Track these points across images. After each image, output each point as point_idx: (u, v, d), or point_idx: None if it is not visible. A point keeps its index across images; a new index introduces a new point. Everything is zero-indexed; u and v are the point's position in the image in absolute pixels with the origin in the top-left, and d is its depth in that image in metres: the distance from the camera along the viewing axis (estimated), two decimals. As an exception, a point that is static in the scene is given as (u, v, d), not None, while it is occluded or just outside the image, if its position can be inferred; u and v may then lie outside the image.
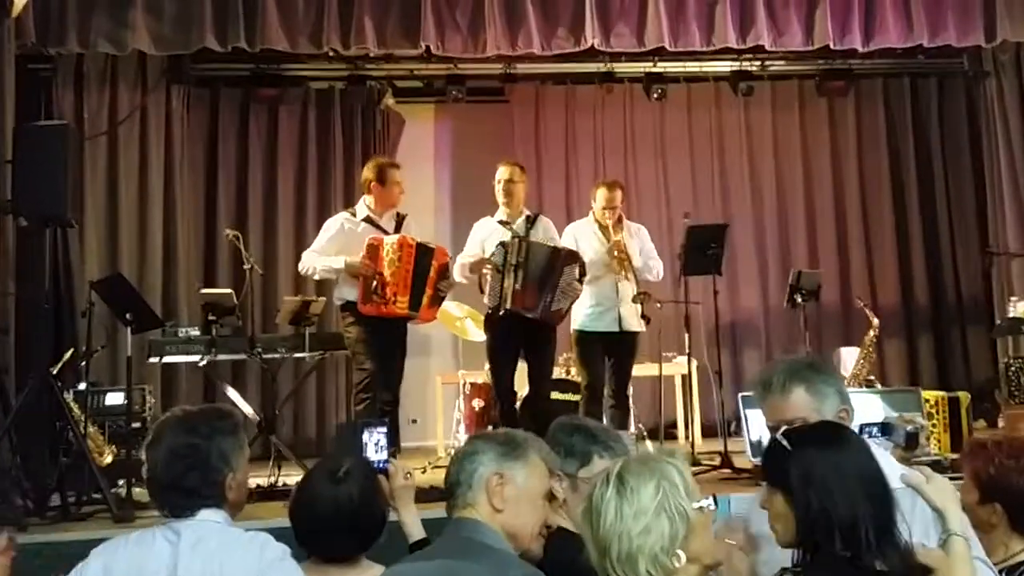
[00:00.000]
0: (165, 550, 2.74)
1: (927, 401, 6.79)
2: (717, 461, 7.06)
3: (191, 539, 2.73)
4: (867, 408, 5.95)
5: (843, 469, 2.28)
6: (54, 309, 8.18)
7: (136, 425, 7.30)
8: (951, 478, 2.59)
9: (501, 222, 7.16)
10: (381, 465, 3.39)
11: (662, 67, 9.99)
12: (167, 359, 7.56)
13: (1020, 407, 7.29)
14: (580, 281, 6.93)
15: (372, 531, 3.05)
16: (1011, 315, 8.02)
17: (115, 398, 7.52)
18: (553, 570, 2.72)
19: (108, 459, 6.91)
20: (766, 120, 10.73)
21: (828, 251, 10.58)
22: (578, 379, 7.67)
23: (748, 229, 10.43)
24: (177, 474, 2.77)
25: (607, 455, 3.15)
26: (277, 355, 7.53)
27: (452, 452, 8.32)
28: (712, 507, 2.29)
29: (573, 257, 6.95)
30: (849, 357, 8.70)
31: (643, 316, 7.14)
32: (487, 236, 7.13)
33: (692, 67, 10.22)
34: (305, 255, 7.13)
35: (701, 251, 7.37)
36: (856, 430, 2.74)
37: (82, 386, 7.33)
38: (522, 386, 7.20)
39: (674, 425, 9.16)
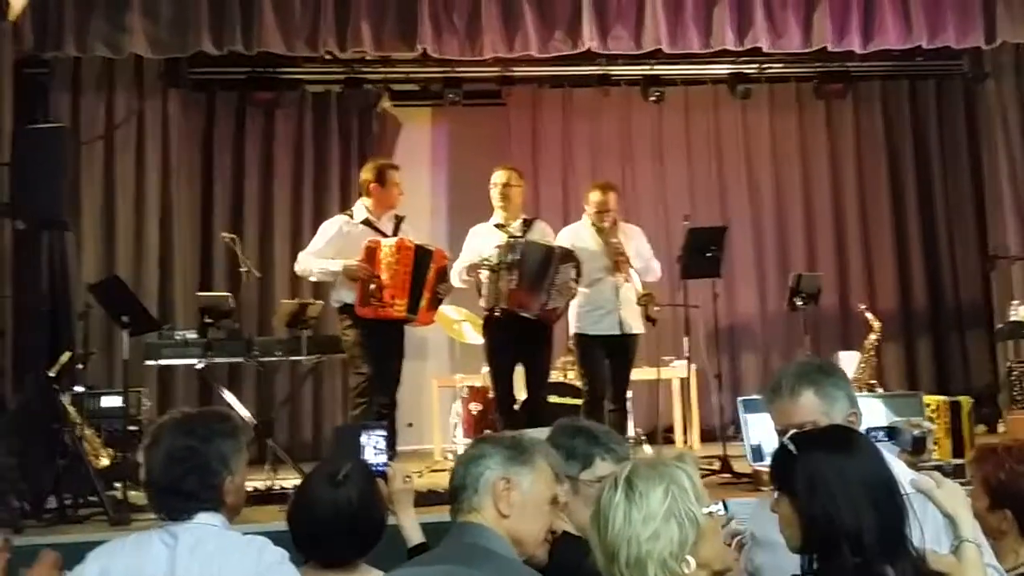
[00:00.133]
0: (162, 553, 2.71)
1: (928, 406, 6.76)
2: (716, 466, 7.04)
3: (189, 542, 2.71)
4: (869, 413, 5.91)
5: (850, 474, 2.23)
6: (50, 312, 8.19)
7: (132, 428, 7.29)
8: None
9: (497, 225, 7.14)
10: (380, 468, 3.38)
11: (659, 70, 9.97)
12: (164, 362, 7.53)
13: (1021, 412, 7.26)
14: (576, 281, 6.91)
15: (371, 535, 3.02)
16: (1012, 319, 8.00)
17: (111, 401, 7.52)
18: (561, 573, 2.70)
19: (104, 462, 6.89)
20: (764, 123, 10.70)
21: (826, 254, 10.55)
22: (577, 383, 7.65)
23: (746, 232, 10.41)
24: (175, 477, 2.75)
25: (609, 458, 3.12)
26: (274, 358, 7.51)
27: (449, 456, 8.36)
28: (722, 512, 2.26)
29: (569, 256, 6.92)
30: (847, 361, 8.69)
31: (648, 318, 7.11)
32: (483, 241, 7.10)
33: (690, 70, 10.19)
34: (301, 256, 7.11)
35: (701, 253, 7.35)
36: None
37: (79, 389, 7.30)
38: (521, 390, 7.19)
39: (671, 429, 9.14)
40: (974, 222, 10.44)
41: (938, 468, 2.96)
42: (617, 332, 7.15)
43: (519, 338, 6.95)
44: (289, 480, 6.90)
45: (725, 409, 8.33)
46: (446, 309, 8.02)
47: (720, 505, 2.27)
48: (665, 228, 10.06)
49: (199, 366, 7.52)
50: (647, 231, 7.83)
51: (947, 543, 2.37)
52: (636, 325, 7.20)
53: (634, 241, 7.42)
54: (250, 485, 5.98)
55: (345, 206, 8.14)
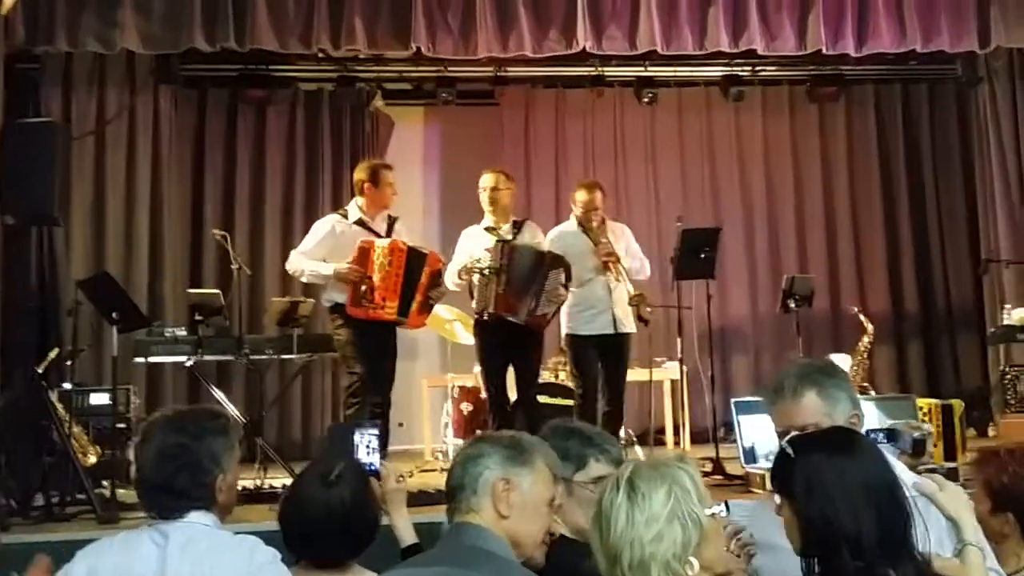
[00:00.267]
0: (152, 552, 2.67)
1: (920, 409, 6.76)
2: (708, 467, 7.02)
3: (179, 541, 2.67)
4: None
5: (850, 477, 2.20)
6: (39, 308, 8.14)
7: (121, 425, 7.26)
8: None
9: (487, 228, 7.11)
10: (372, 468, 3.34)
11: (653, 71, 9.98)
12: (153, 359, 7.49)
13: (1016, 415, 7.27)
14: (566, 287, 6.89)
15: (364, 536, 2.99)
16: (1006, 323, 8.00)
17: (100, 398, 7.48)
18: None
19: (92, 459, 6.85)
20: (756, 125, 10.70)
21: (818, 257, 10.56)
22: (569, 384, 7.62)
23: (738, 234, 10.40)
24: (166, 475, 2.71)
25: (603, 459, 3.10)
26: (264, 356, 7.47)
27: (440, 456, 8.33)
28: (724, 513, 2.24)
29: (558, 262, 6.90)
30: (839, 363, 8.66)
31: (640, 318, 7.10)
32: (474, 244, 7.08)
33: (683, 72, 10.20)
34: (293, 255, 7.07)
35: (695, 255, 7.34)
36: None
37: (67, 385, 7.26)
38: (512, 390, 7.16)
39: (662, 431, 9.12)
40: (965, 226, 10.47)
41: (931, 471, 2.93)
42: (611, 331, 7.13)
43: (509, 341, 6.94)
44: (279, 479, 6.87)
45: (717, 411, 8.30)
46: (438, 309, 7.97)
47: (722, 506, 2.25)
48: (657, 229, 10.08)
49: (188, 364, 7.49)
50: (639, 232, 7.84)
51: (950, 546, 2.35)
52: (629, 324, 7.18)
53: (623, 239, 7.40)
54: (240, 484, 5.95)
55: (337, 205, 8.10)
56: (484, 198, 7.10)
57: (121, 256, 9.04)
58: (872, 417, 6.12)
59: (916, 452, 3.03)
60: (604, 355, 7.21)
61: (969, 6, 8.48)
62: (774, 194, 10.68)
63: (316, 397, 9.70)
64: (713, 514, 2.21)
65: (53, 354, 7.02)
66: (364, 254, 6.68)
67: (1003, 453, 3.22)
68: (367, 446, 3.44)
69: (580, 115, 10.52)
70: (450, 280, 7.03)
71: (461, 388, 8.40)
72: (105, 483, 6.38)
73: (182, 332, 7.42)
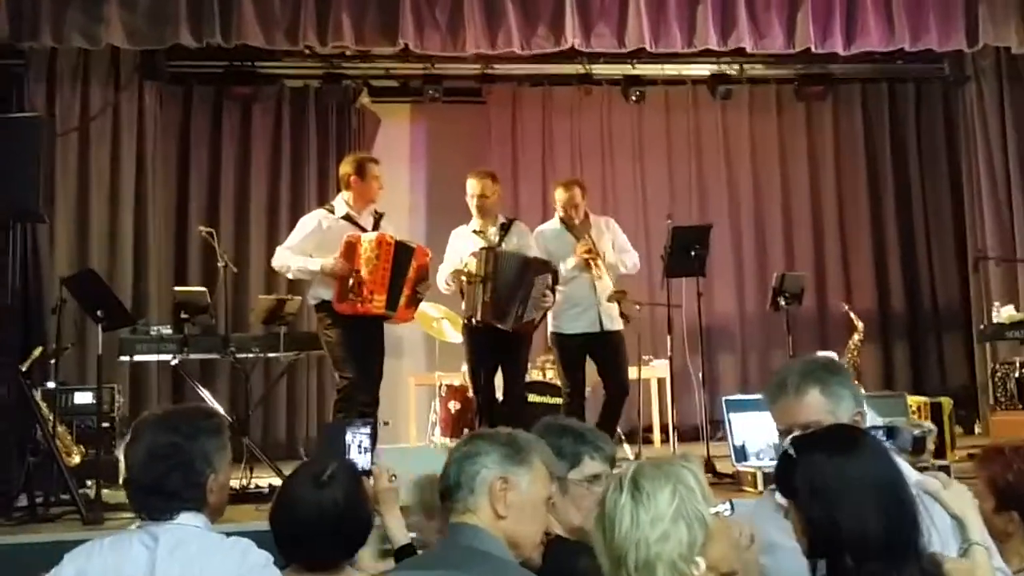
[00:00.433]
0: (142, 555, 2.62)
1: (909, 407, 6.76)
2: (698, 466, 6.98)
3: (169, 543, 2.61)
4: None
5: (853, 476, 2.16)
6: (22, 306, 8.06)
7: (105, 425, 7.19)
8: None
9: (475, 231, 7.07)
10: (364, 467, 3.30)
11: (640, 69, 9.96)
12: (138, 357, 7.40)
13: (1006, 412, 7.27)
14: (552, 290, 6.85)
15: (357, 537, 2.95)
16: (995, 320, 8.00)
17: (84, 397, 7.43)
18: None
19: (76, 459, 6.79)
20: (744, 124, 10.71)
21: (804, 255, 10.56)
22: (556, 382, 7.59)
23: (724, 232, 10.37)
24: (157, 475, 2.65)
25: (597, 456, 3.08)
26: (250, 355, 7.41)
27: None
28: (729, 512, 2.20)
29: (545, 267, 6.87)
30: (831, 362, 8.65)
31: (621, 315, 7.06)
32: (463, 246, 7.05)
33: (670, 70, 10.19)
34: (279, 251, 6.99)
35: (685, 252, 7.31)
36: None
37: (51, 384, 7.19)
38: (500, 391, 7.13)
39: (649, 429, 9.10)
40: (952, 225, 10.51)
41: (922, 470, 2.90)
42: (597, 329, 7.10)
43: (497, 345, 6.90)
44: (264, 479, 6.82)
45: (706, 409, 8.28)
46: (425, 307, 7.95)
47: (727, 505, 2.21)
48: (645, 227, 10.07)
49: (174, 362, 7.42)
50: (626, 231, 7.78)
51: (955, 545, 2.32)
52: (617, 321, 7.14)
53: (608, 234, 7.36)
54: (226, 484, 5.90)
55: (322, 202, 8.04)
56: (472, 205, 7.05)
57: (105, 253, 8.96)
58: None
59: (916, 450, 3.00)
60: (593, 354, 7.17)
61: (957, 5, 8.50)
62: (761, 192, 10.69)
63: (301, 396, 9.66)
64: (718, 513, 2.17)
65: (37, 352, 6.95)
66: (351, 249, 6.61)
67: (1008, 451, 3.18)
68: (359, 446, 3.40)
69: (567, 113, 10.50)
70: (441, 282, 7.00)
71: (449, 387, 8.36)
72: (89, 483, 6.32)
73: (167, 330, 7.33)
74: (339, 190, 7.15)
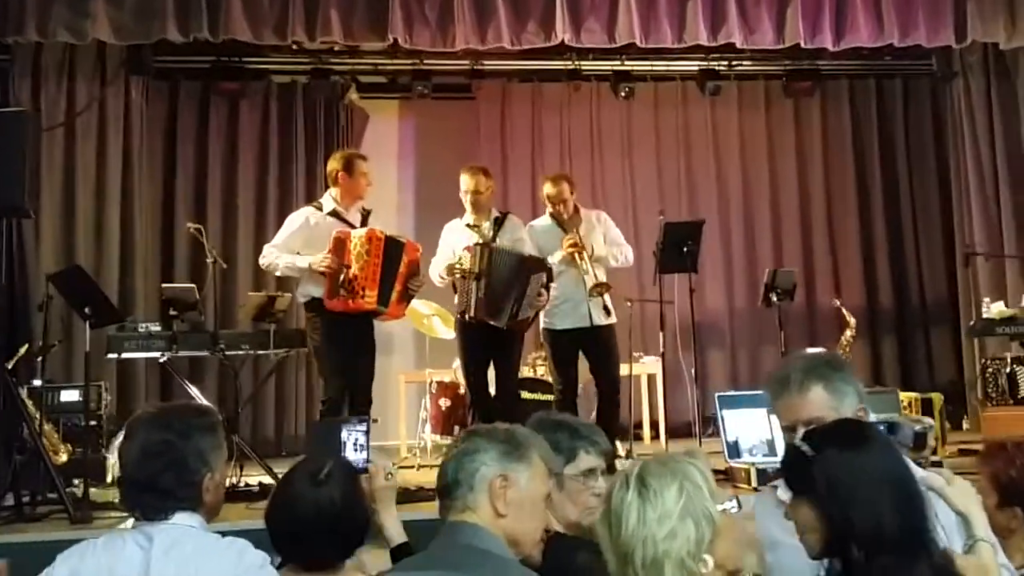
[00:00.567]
0: (136, 555, 2.57)
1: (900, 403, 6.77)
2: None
3: (164, 543, 2.57)
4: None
5: (869, 472, 2.15)
6: (8, 302, 8.00)
7: (92, 423, 7.14)
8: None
9: (469, 225, 7.02)
10: (360, 465, 3.27)
11: (629, 65, 9.97)
12: (126, 355, 7.33)
13: (997, 408, 7.28)
14: (547, 288, 6.82)
15: (354, 536, 2.91)
16: (985, 316, 8.01)
17: (70, 395, 7.36)
18: (553, 574, 2.60)
19: (63, 458, 6.72)
20: (732, 120, 10.72)
21: (793, 251, 10.58)
22: (548, 378, 7.56)
23: (713, 228, 10.35)
24: (152, 473, 2.60)
25: (593, 451, 3.05)
26: (240, 352, 7.36)
27: (417, 452, 8.26)
28: (735, 509, 2.17)
29: (540, 266, 6.83)
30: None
31: (604, 308, 7.02)
32: (457, 240, 7.00)
33: (659, 66, 10.20)
34: (267, 249, 6.90)
35: (677, 248, 7.29)
36: None
37: (37, 382, 7.12)
38: (492, 387, 7.10)
39: (639, 426, 9.08)
40: (939, 220, 10.53)
41: (917, 465, 2.88)
42: (587, 324, 7.06)
43: (490, 341, 6.86)
44: (254, 477, 6.78)
45: (698, 405, 8.28)
46: (416, 303, 7.91)
47: (734, 502, 2.18)
48: (634, 223, 10.05)
49: (163, 360, 7.36)
50: (616, 226, 7.75)
51: (959, 542, 2.30)
52: (608, 316, 7.10)
53: (600, 227, 7.31)
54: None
55: (310, 198, 8.01)
56: (466, 200, 7.00)
57: (91, 250, 8.91)
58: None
59: (917, 446, 2.97)
60: (585, 349, 7.14)
61: (946, 1, 8.50)
62: (750, 188, 10.70)
63: (290, 393, 9.63)
64: (725, 510, 2.14)
65: (23, 350, 6.90)
66: (340, 244, 6.54)
67: (1010, 446, 3.16)
68: (355, 443, 3.36)
69: (556, 109, 10.49)
70: (434, 275, 6.96)
71: (439, 383, 8.33)
72: (77, 482, 6.27)
73: (156, 327, 7.28)
74: (327, 186, 7.09)
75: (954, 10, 8.51)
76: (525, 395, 7.58)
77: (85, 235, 8.89)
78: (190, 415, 2.73)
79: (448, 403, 8.20)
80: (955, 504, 2.30)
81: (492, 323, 6.68)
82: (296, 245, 6.72)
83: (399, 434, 8.98)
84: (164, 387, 8.72)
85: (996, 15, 8.58)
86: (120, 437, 2.75)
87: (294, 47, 8.71)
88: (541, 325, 7.29)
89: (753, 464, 6.14)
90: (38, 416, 6.46)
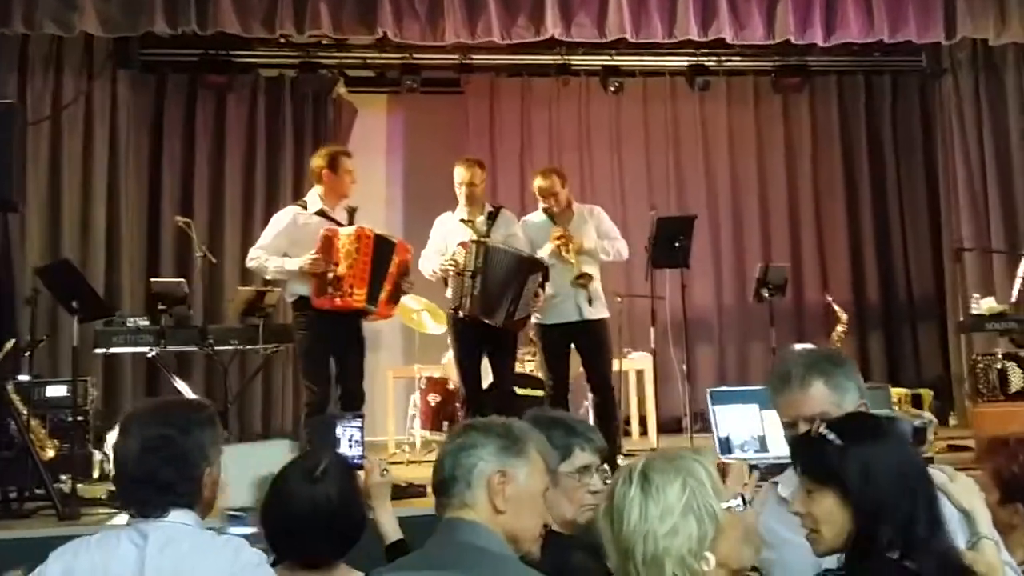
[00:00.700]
0: (131, 553, 2.53)
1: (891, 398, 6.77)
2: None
3: (159, 541, 2.53)
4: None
5: (898, 463, 2.17)
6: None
7: (79, 418, 7.08)
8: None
9: (462, 220, 6.96)
10: (355, 461, 3.24)
11: (619, 60, 9.96)
12: (114, 350, 7.29)
13: (988, 404, 7.28)
14: (543, 287, 6.78)
15: (351, 534, 2.87)
16: (974, 312, 8.02)
17: (57, 390, 7.27)
18: (549, 573, 2.58)
19: (50, 453, 6.66)
20: (721, 115, 10.72)
21: (781, 246, 10.58)
22: (539, 374, 7.53)
23: (703, 223, 10.29)
24: (151, 468, 2.56)
25: (588, 448, 3.03)
26: (229, 347, 7.31)
27: (406, 448, 8.23)
28: (740, 507, 2.15)
29: (536, 266, 6.78)
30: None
31: (588, 300, 6.97)
32: (448, 233, 6.94)
33: (649, 61, 10.20)
34: (254, 252, 6.77)
35: (669, 243, 7.27)
36: None
37: (23, 377, 7.06)
38: (485, 381, 7.07)
39: (627, 421, 9.07)
40: (927, 216, 10.54)
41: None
42: (577, 318, 7.02)
43: (483, 337, 6.83)
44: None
45: (681, 401, 8.27)
46: (405, 299, 7.86)
47: (739, 500, 2.16)
48: (623, 218, 9.99)
49: (151, 355, 7.31)
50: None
51: (962, 538, 2.29)
52: (597, 310, 7.05)
53: (592, 221, 7.26)
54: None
55: (298, 193, 7.95)
56: (460, 193, 6.93)
57: (77, 243, 8.84)
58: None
59: (917, 441, 2.97)
60: (576, 344, 7.10)
61: (936, -4, 8.52)
62: (738, 183, 10.71)
63: (277, 388, 9.58)
64: (729, 508, 2.12)
65: (9, 345, 6.84)
66: (328, 243, 6.46)
67: (1012, 442, 3.16)
68: (350, 439, 3.33)
69: (545, 104, 10.47)
70: (426, 269, 6.91)
71: (429, 379, 8.30)
72: (64, 478, 6.21)
73: (144, 322, 7.24)
74: (313, 183, 7.04)
75: (944, 6, 8.53)
76: (517, 391, 7.54)
77: (71, 229, 8.83)
78: (189, 409, 2.71)
79: (437, 399, 8.16)
80: (958, 501, 2.29)
81: (487, 322, 6.64)
82: (282, 246, 6.62)
83: (387, 430, 8.93)
84: (151, 382, 8.66)
85: (986, 11, 8.60)
86: (114, 433, 2.70)
87: (282, 40, 8.66)
88: (532, 320, 7.26)
89: (746, 460, 6.12)
90: (25, 411, 6.41)
